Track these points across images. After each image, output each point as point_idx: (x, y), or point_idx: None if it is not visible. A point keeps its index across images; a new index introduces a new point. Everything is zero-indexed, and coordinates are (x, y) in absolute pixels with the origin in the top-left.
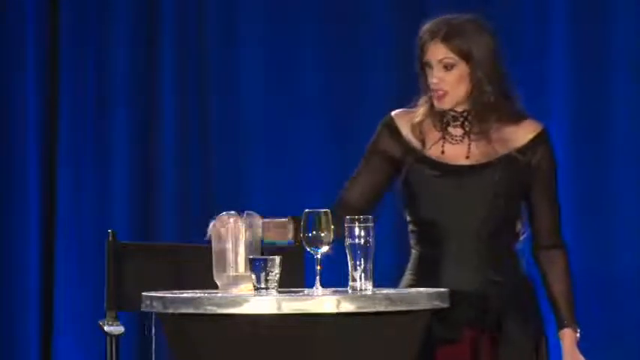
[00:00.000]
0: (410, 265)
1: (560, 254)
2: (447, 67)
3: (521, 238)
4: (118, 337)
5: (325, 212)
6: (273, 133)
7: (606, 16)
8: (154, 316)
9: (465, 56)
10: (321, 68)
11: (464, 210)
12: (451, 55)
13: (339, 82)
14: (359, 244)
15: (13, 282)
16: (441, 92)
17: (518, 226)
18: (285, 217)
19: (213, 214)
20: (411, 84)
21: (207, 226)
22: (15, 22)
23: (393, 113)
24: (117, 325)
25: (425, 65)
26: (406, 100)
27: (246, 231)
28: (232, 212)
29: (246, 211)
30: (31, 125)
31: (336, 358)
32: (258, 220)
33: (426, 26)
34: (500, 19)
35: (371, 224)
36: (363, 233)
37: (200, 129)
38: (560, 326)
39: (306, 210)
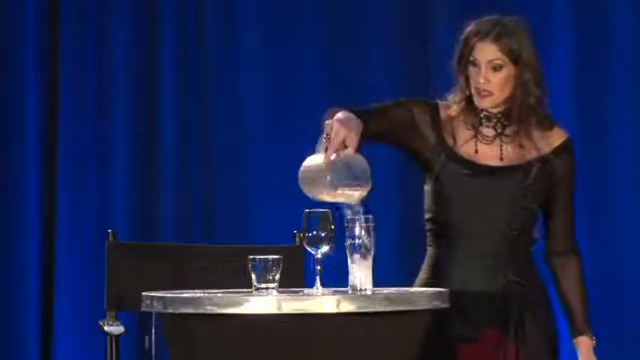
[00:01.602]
0: (426, 265)
1: (574, 260)
2: (496, 68)
3: (536, 242)
4: (118, 337)
5: (325, 212)
6: (273, 132)
7: (607, 16)
8: (153, 316)
9: (515, 58)
10: (321, 68)
11: (492, 210)
12: (501, 55)
13: (339, 82)
14: (359, 244)
15: (13, 282)
16: (485, 92)
17: (536, 232)
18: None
19: (213, 214)
20: (411, 84)
21: (207, 226)
22: (15, 22)
23: (439, 102)
24: (117, 325)
25: (469, 63)
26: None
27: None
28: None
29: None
30: (31, 125)
31: (336, 358)
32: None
33: (475, 25)
34: None
35: (371, 224)
36: (363, 233)
37: (200, 129)
38: (576, 334)
39: (306, 210)
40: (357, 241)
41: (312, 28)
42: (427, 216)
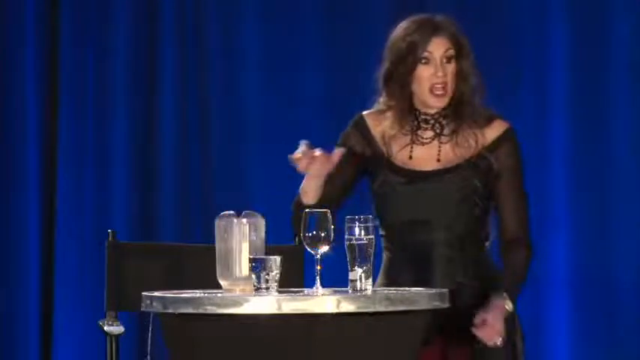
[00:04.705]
0: (381, 270)
1: (522, 250)
2: (449, 60)
3: (490, 239)
4: (117, 337)
5: (325, 212)
6: (273, 132)
7: (606, 16)
8: (152, 316)
9: (459, 51)
10: (321, 68)
11: (432, 215)
12: (452, 46)
13: (340, 82)
14: (359, 244)
15: (13, 282)
16: (442, 90)
17: (488, 228)
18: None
19: (213, 214)
20: None
21: (207, 226)
22: (15, 22)
23: (364, 113)
24: (117, 325)
25: (419, 62)
26: None
27: (250, 232)
28: (232, 212)
29: (244, 212)
30: (31, 125)
31: (336, 358)
32: (261, 221)
33: (413, 23)
34: (500, 19)
35: (371, 224)
36: (362, 233)
37: (200, 129)
38: (494, 299)
39: (306, 210)
40: (356, 241)
41: (312, 28)
42: (377, 223)
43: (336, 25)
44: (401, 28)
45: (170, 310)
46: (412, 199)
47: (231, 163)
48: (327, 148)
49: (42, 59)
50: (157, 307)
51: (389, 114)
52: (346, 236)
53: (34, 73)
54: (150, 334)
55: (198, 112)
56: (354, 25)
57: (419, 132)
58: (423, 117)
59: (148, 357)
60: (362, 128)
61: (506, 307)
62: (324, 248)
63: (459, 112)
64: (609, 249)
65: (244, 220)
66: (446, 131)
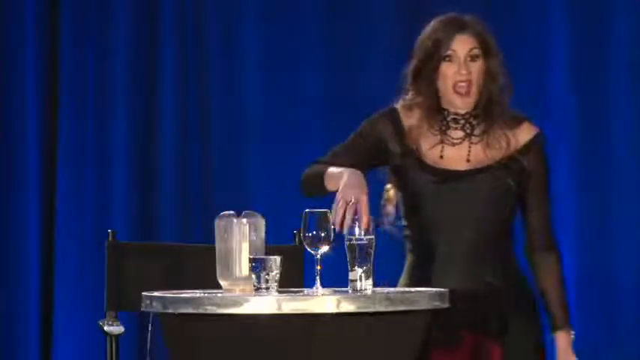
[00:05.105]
0: (405, 271)
1: (553, 256)
2: (474, 59)
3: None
4: (117, 337)
5: (325, 212)
6: (273, 132)
7: (606, 16)
8: (152, 316)
9: (485, 50)
10: (321, 68)
11: (462, 215)
12: (477, 45)
13: (340, 82)
14: (359, 244)
15: (13, 282)
16: (466, 88)
17: (513, 230)
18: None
19: (213, 214)
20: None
21: (207, 226)
22: (15, 22)
23: (397, 105)
24: (117, 325)
25: (443, 60)
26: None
27: (250, 232)
28: (232, 212)
29: (244, 212)
30: (31, 125)
31: (336, 358)
32: (261, 221)
33: (440, 22)
34: (500, 19)
35: (371, 224)
36: (363, 233)
37: (200, 129)
38: (554, 328)
39: (307, 210)
40: (357, 241)
41: (312, 28)
42: (403, 223)
43: (336, 25)
44: (430, 25)
45: (170, 310)
46: (443, 197)
47: (231, 163)
48: (327, 148)
49: (42, 59)
50: (157, 307)
51: (416, 110)
52: (346, 236)
53: (34, 73)
54: (150, 334)
55: (198, 112)
56: (354, 25)
57: (448, 132)
58: (452, 117)
59: (148, 357)
60: (394, 119)
61: (571, 336)
62: (324, 248)
63: (488, 112)
64: (609, 249)
65: (244, 220)
66: (476, 132)
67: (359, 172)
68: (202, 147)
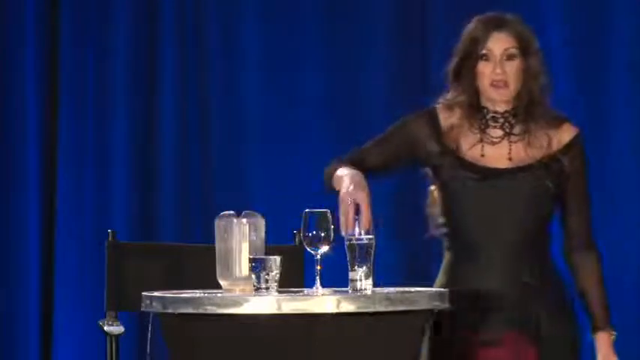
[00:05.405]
0: (443, 269)
1: (592, 256)
2: (510, 58)
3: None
4: (118, 337)
5: (325, 212)
6: (273, 133)
7: (606, 16)
8: (152, 316)
9: (524, 49)
10: (321, 68)
11: (503, 213)
12: (515, 44)
13: (340, 82)
14: (359, 244)
15: (13, 282)
16: (501, 83)
17: (550, 230)
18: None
19: (213, 214)
20: (410, 84)
21: (207, 226)
22: (15, 22)
23: (436, 106)
24: (117, 325)
25: (480, 58)
26: (406, 100)
27: (250, 232)
28: (232, 212)
29: (244, 212)
30: (31, 125)
31: (336, 358)
32: (261, 221)
33: (480, 20)
34: None
35: (371, 224)
36: (363, 233)
37: (200, 129)
38: (595, 329)
39: (307, 210)
40: (357, 241)
41: (312, 28)
42: (441, 221)
43: (336, 25)
44: (470, 24)
45: (170, 310)
46: (484, 195)
47: (231, 163)
48: (327, 148)
49: (42, 59)
50: (157, 307)
51: (457, 109)
52: (346, 236)
53: (34, 73)
54: (150, 334)
55: (198, 112)
56: (354, 25)
57: (487, 130)
58: (491, 115)
59: (148, 357)
60: (431, 120)
61: (611, 337)
62: (324, 248)
63: (530, 112)
64: (609, 249)
65: (244, 220)
66: (515, 130)
67: (360, 173)
68: (202, 147)
